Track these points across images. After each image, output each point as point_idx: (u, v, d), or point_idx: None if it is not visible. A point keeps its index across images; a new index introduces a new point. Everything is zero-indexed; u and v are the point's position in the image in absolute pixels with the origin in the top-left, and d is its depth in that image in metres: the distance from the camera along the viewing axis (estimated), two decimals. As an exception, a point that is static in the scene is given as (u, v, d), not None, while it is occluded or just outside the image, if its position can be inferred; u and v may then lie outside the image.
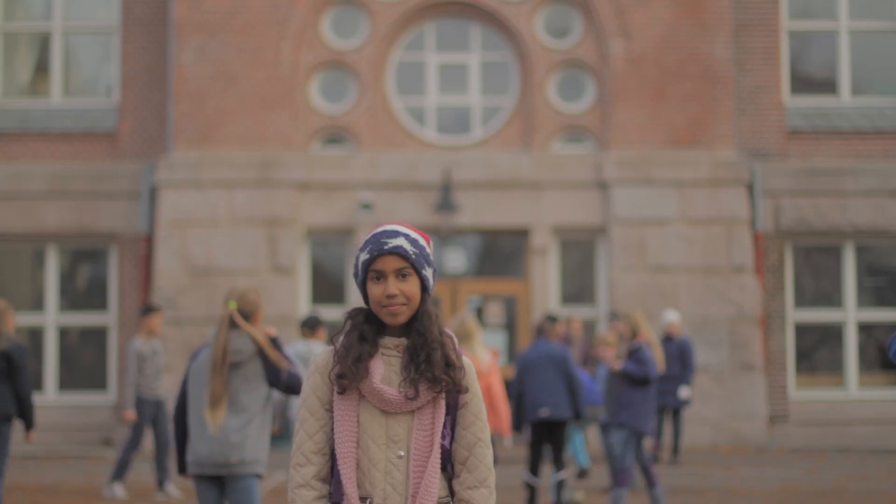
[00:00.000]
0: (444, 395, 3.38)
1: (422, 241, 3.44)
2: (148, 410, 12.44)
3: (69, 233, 18.64)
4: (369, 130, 18.47)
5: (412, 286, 3.38)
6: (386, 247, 3.37)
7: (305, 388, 3.44)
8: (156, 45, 18.85)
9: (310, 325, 10.89)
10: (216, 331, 6.87)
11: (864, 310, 18.73)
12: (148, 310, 12.75)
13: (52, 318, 18.45)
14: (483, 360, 10.87)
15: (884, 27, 19.34)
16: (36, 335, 18.63)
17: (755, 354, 17.91)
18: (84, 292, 19.01)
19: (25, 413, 9.59)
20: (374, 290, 3.37)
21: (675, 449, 16.02)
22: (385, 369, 3.38)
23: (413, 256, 3.38)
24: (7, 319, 9.72)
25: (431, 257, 3.46)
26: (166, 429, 12.46)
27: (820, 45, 19.46)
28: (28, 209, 18.47)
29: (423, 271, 3.40)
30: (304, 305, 18.27)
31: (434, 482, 3.34)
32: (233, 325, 6.88)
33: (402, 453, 3.34)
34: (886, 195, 18.46)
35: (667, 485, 13.61)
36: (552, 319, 16.05)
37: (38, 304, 18.70)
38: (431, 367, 3.35)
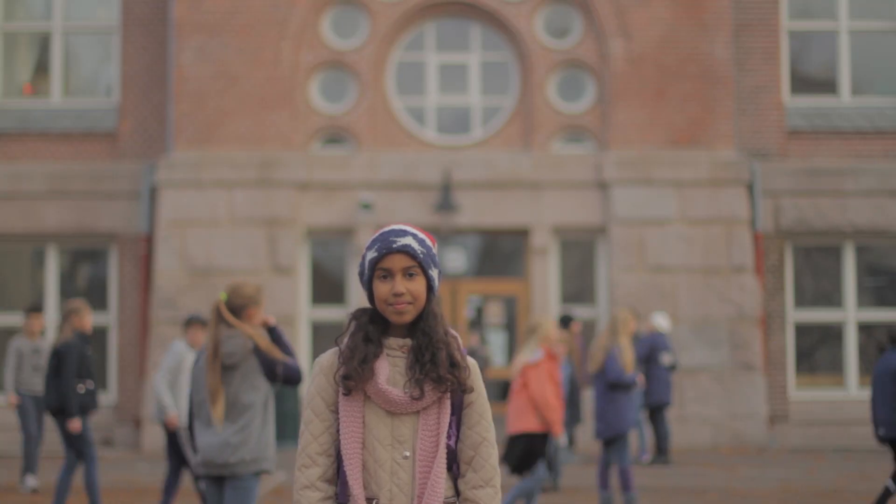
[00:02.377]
0: (449, 395, 3.38)
1: (428, 242, 3.44)
2: (28, 405, 12.93)
3: (69, 233, 18.64)
4: (369, 130, 18.47)
5: (419, 285, 3.39)
6: (394, 245, 3.38)
7: (311, 390, 3.44)
8: (156, 45, 18.85)
9: (186, 324, 10.85)
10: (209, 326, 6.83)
11: (864, 310, 18.74)
12: (30, 310, 13.30)
13: (51, 319, 18.43)
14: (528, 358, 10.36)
15: (884, 27, 19.34)
16: (36, 335, 18.62)
17: (755, 354, 17.91)
18: (84, 292, 18.99)
19: (64, 404, 10.45)
20: (381, 288, 3.38)
21: (661, 449, 15.90)
22: (390, 370, 3.38)
23: (421, 256, 3.39)
24: (75, 319, 10.56)
25: (437, 258, 3.47)
26: (41, 423, 13.06)
27: (820, 45, 19.46)
28: (28, 209, 18.47)
29: (430, 271, 3.40)
30: (304, 305, 18.28)
31: (440, 482, 3.33)
32: (222, 318, 6.79)
33: (407, 454, 3.35)
34: (886, 195, 18.46)
35: (667, 485, 13.63)
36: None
37: (37, 304, 18.68)
38: (436, 367, 3.34)
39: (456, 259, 18.58)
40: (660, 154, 18.22)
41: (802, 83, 19.26)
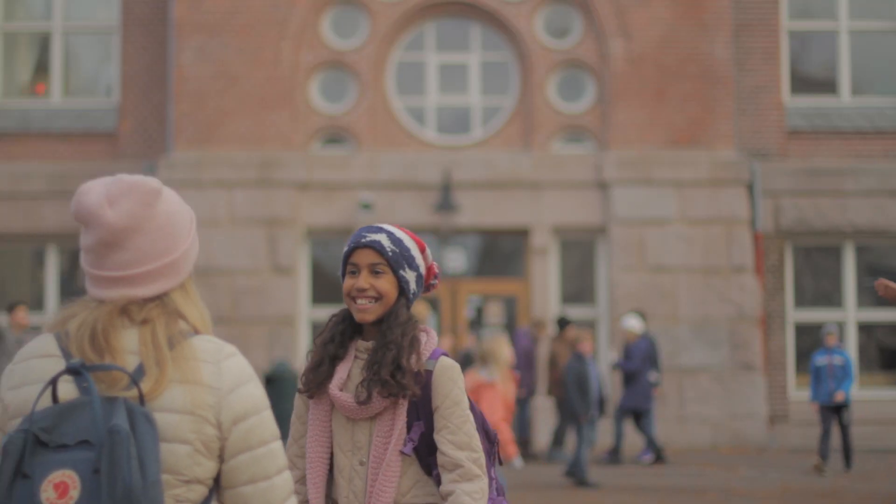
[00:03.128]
0: (405, 400, 3.24)
1: (407, 243, 3.33)
2: None
3: (69, 233, 18.63)
4: (369, 130, 18.47)
5: (385, 283, 3.28)
6: (363, 240, 3.30)
7: (297, 393, 3.40)
8: (156, 45, 18.85)
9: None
10: None
11: (864, 310, 18.73)
12: (13, 305, 14.09)
13: (51, 318, 18.43)
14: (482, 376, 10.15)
15: (884, 27, 19.34)
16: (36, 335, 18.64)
17: (755, 354, 17.91)
18: (84, 292, 18.98)
19: None
20: (347, 282, 3.30)
21: (656, 448, 15.97)
22: (350, 373, 3.30)
23: (389, 253, 3.28)
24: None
25: (418, 262, 3.34)
26: None
27: (820, 45, 19.45)
28: (28, 209, 18.47)
29: (402, 271, 3.29)
30: (304, 305, 18.29)
31: (386, 491, 3.21)
32: None
33: (363, 461, 3.26)
34: (886, 195, 18.45)
35: (667, 485, 13.63)
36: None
37: (38, 304, 18.70)
38: (380, 369, 3.23)
39: (456, 259, 18.58)
40: (660, 154, 18.22)
41: (802, 83, 19.25)
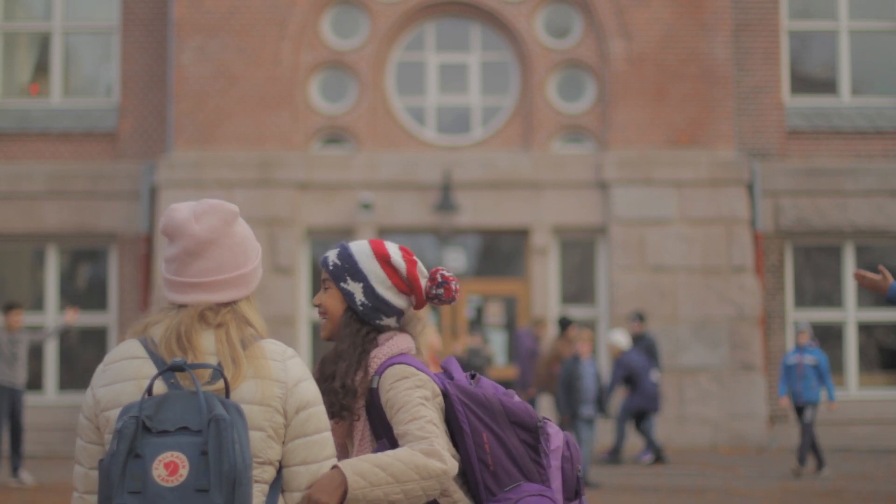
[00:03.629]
0: (364, 418, 3.19)
1: (357, 257, 3.27)
2: (3, 396, 13.45)
3: (69, 233, 18.64)
4: (369, 130, 18.47)
5: (329, 299, 3.28)
6: (322, 257, 3.36)
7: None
8: (156, 45, 18.85)
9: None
10: None
11: (864, 310, 18.73)
12: (8, 307, 14.01)
13: (52, 318, 18.44)
14: None
15: (884, 27, 19.34)
16: (36, 335, 18.62)
17: (755, 354, 17.91)
18: (84, 292, 19.00)
19: None
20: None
21: (655, 449, 16.00)
22: None
23: (331, 267, 3.27)
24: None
25: (367, 272, 3.26)
26: (20, 416, 13.57)
27: (820, 45, 19.46)
28: (28, 209, 18.47)
29: (342, 284, 3.26)
30: (304, 305, 18.29)
31: None
32: None
33: None
34: (886, 195, 18.46)
35: (667, 485, 13.63)
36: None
37: (38, 304, 18.70)
38: (332, 383, 3.21)
39: (456, 259, 18.57)
40: (660, 154, 18.22)
41: (802, 83, 19.26)
